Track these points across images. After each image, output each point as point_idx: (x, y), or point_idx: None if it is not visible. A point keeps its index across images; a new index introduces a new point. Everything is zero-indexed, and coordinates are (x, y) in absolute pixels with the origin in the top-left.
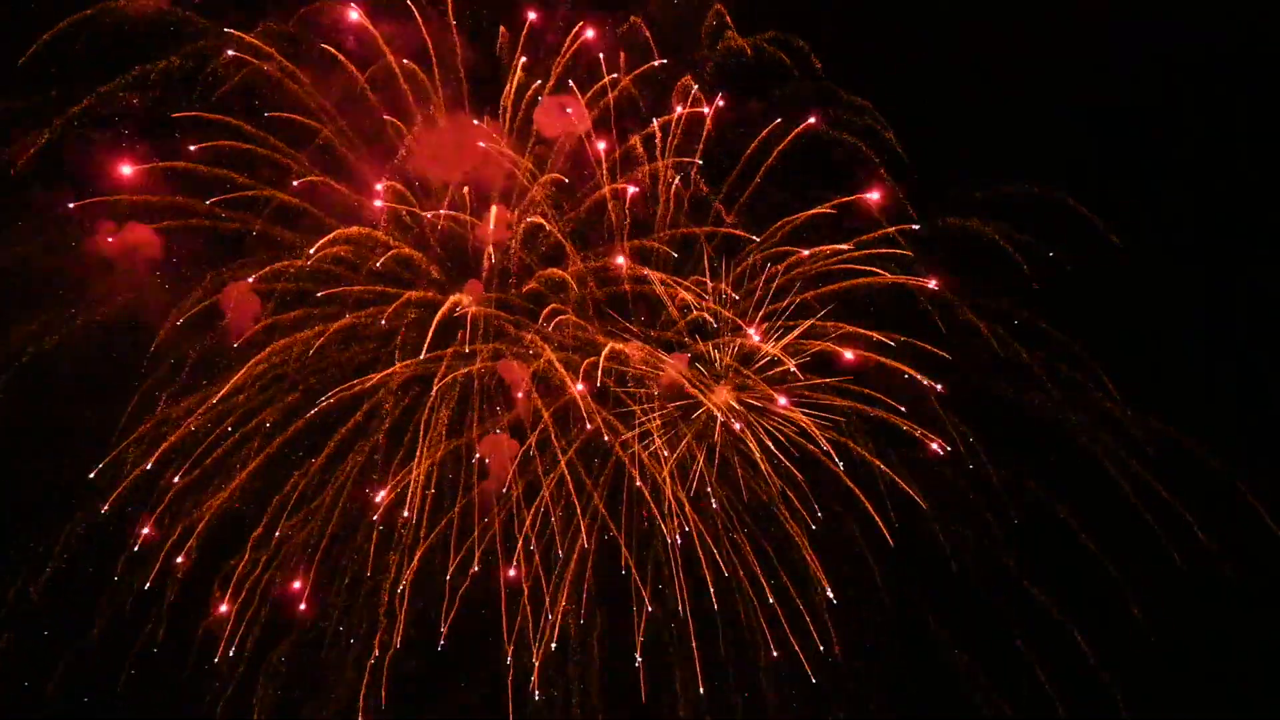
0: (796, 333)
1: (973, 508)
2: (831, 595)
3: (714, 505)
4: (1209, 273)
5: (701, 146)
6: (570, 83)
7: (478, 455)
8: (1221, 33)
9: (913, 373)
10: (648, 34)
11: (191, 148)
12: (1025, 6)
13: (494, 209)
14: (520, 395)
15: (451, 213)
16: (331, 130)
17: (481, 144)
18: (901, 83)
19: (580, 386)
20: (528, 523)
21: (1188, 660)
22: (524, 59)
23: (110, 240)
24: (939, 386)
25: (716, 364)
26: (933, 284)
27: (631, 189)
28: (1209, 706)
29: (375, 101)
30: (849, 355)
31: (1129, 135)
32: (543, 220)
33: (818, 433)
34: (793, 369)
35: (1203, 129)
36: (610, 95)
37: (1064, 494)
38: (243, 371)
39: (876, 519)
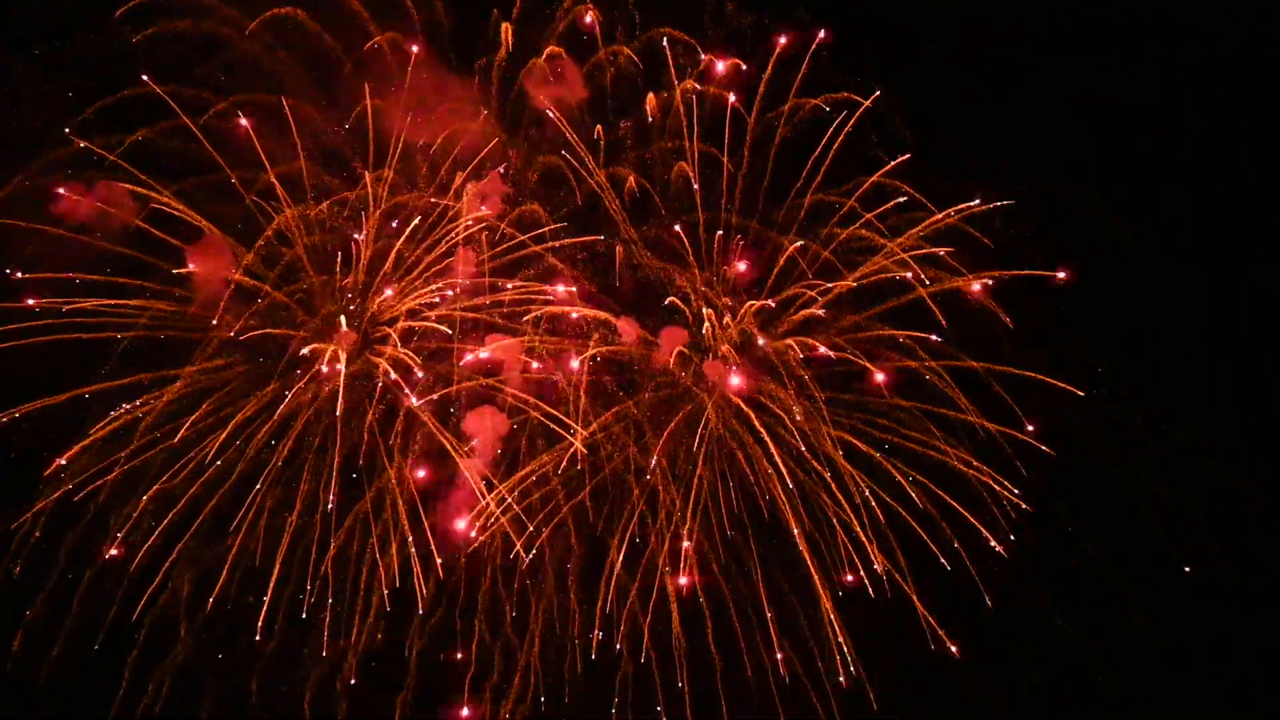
0: (793, 321)
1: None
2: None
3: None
4: (1209, 273)
5: (698, 127)
6: (561, 51)
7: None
8: (1221, 33)
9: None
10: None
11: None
12: (1025, 6)
13: (469, 187)
14: (510, 375)
15: (434, 200)
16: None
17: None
18: (900, 82)
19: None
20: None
21: (1188, 660)
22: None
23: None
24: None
25: (714, 351)
26: (1061, 275)
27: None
28: (1209, 706)
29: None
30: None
31: (1129, 135)
32: (536, 206)
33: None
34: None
35: (1203, 129)
36: (608, 71)
37: (1063, 494)
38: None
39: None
